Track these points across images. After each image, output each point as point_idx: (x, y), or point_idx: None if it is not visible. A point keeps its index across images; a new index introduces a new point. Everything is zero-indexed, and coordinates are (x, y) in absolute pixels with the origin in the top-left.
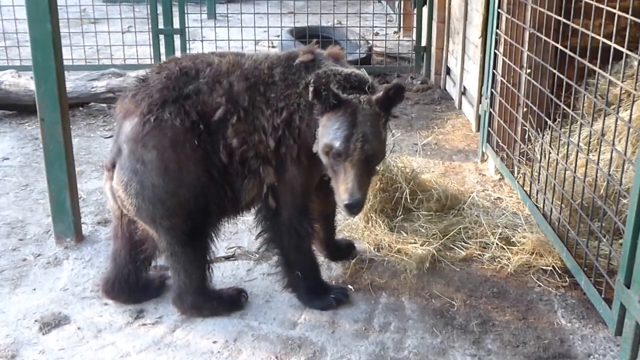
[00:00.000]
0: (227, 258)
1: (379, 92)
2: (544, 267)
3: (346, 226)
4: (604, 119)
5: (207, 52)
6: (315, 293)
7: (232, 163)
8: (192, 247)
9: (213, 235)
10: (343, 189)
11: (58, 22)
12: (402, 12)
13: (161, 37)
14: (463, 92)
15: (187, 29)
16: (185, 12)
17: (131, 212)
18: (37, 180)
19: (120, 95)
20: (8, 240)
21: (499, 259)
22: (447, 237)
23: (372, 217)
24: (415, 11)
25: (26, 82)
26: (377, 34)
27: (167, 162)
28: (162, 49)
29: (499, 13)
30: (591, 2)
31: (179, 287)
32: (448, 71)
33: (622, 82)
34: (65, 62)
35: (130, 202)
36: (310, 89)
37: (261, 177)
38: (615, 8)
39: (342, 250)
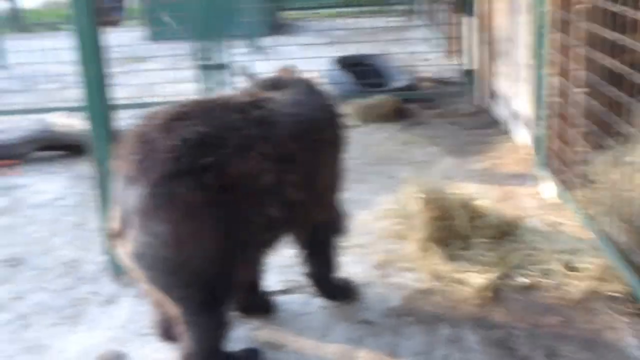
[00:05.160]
0: (283, 292)
1: None
2: (611, 294)
3: (402, 256)
4: None
5: (220, 101)
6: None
7: (286, 213)
8: (206, 317)
9: (230, 302)
10: None
11: (107, 63)
12: (447, 36)
13: (206, 72)
14: (515, 115)
15: (231, 64)
16: (229, 47)
17: (143, 280)
18: (91, 220)
19: (119, 150)
20: (65, 279)
21: (562, 286)
22: (507, 264)
23: (428, 246)
24: (462, 34)
25: (77, 123)
26: (423, 59)
27: (180, 235)
28: (207, 84)
29: (547, 32)
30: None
31: (186, 355)
32: (498, 94)
33: None
34: (114, 102)
35: (142, 272)
36: None
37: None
38: None
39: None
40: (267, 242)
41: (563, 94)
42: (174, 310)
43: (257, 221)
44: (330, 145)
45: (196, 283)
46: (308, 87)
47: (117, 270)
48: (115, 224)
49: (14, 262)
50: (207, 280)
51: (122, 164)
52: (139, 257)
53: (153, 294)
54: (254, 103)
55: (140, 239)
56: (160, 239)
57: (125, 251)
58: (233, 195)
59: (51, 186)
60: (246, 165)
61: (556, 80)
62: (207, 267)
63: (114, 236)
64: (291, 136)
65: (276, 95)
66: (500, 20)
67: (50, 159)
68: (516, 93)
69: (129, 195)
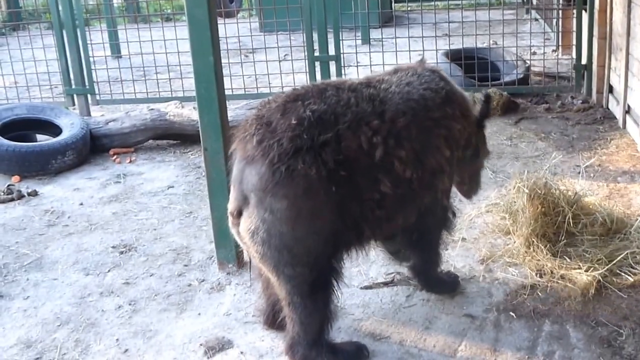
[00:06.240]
0: (386, 284)
1: None
2: None
3: (507, 251)
4: None
5: (333, 83)
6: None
7: (396, 189)
8: (312, 299)
9: (337, 285)
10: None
11: (220, 55)
12: (560, 30)
13: (317, 63)
14: (627, 111)
15: (342, 55)
16: (340, 38)
17: (255, 258)
18: (200, 208)
19: (238, 134)
20: (174, 266)
21: None
22: (614, 262)
23: (533, 241)
24: (574, 28)
25: (189, 113)
26: (534, 53)
27: (298, 210)
28: (318, 75)
29: None
30: None
31: (292, 338)
32: (610, 89)
33: None
34: (226, 92)
35: (256, 249)
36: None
37: (436, 189)
38: None
39: None
40: (378, 220)
41: None
42: (281, 292)
43: (369, 197)
44: (440, 126)
45: (307, 261)
46: (424, 70)
47: (224, 258)
48: (232, 204)
49: (125, 248)
50: (318, 258)
51: (240, 146)
52: (255, 232)
53: (262, 274)
54: (365, 83)
55: (257, 215)
56: (277, 214)
57: (241, 229)
58: (348, 170)
59: (163, 174)
60: (359, 139)
61: None
62: (320, 244)
63: (231, 216)
64: (400, 112)
65: (388, 76)
66: (617, 15)
67: (162, 148)
68: (630, 88)
69: (248, 175)
